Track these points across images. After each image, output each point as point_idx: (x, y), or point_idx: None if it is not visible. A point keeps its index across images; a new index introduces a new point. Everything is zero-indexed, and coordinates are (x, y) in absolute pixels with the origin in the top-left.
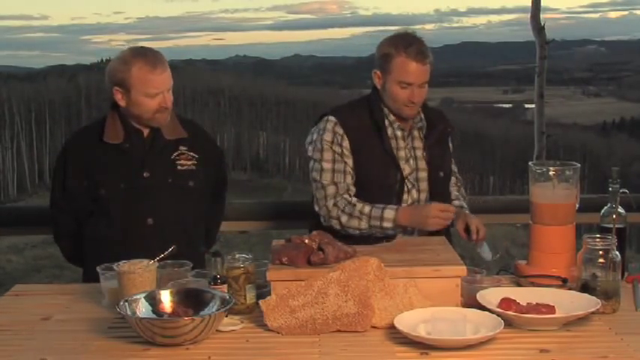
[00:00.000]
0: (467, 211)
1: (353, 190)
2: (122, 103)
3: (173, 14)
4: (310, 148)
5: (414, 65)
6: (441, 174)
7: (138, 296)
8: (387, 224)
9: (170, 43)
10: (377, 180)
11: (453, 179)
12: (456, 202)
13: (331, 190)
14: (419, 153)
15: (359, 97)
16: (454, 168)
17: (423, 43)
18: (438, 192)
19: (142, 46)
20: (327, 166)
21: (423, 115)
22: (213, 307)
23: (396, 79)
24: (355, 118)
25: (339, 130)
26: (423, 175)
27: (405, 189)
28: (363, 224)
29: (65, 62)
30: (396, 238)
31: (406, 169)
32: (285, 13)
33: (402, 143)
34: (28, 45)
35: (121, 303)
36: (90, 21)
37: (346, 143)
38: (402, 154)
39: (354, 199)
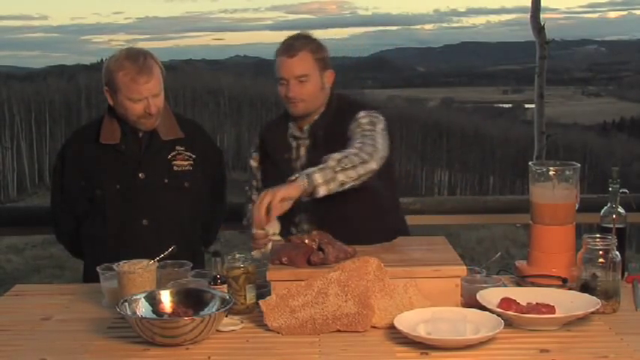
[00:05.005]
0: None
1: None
2: (111, 102)
3: (173, 14)
4: None
5: (281, 60)
6: None
7: (138, 296)
8: None
9: (170, 43)
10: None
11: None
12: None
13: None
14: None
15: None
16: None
17: (299, 37)
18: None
19: (137, 50)
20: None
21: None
22: (213, 307)
23: (277, 78)
24: (273, 129)
25: (256, 141)
26: None
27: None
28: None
29: (65, 62)
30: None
31: None
32: (284, 13)
33: (302, 151)
34: (28, 45)
35: (121, 303)
36: (90, 21)
37: (256, 155)
38: (297, 164)
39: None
